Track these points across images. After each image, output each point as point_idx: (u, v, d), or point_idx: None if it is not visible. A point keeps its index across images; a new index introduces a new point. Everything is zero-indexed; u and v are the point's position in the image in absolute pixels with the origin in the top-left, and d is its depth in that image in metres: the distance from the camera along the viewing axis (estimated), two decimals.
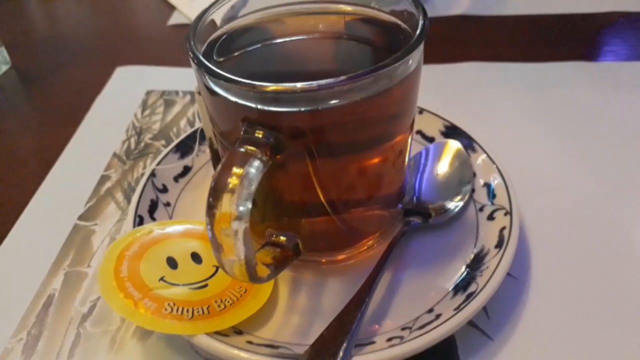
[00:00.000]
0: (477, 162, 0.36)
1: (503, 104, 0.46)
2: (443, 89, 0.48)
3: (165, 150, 0.38)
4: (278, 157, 0.25)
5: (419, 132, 0.39)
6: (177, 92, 0.50)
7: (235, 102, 0.24)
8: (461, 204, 0.33)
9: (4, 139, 0.47)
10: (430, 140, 0.39)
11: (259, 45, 0.31)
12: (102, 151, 0.44)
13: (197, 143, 0.39)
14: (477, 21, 0.58)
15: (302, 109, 0.24)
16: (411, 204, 0.34)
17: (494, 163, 0.35)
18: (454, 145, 0.36)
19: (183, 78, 0.51)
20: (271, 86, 0.23)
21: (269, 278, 0.26)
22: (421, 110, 0.39)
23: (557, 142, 0.42)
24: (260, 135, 0.24)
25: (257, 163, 0.23)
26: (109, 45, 0.60)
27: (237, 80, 0.24)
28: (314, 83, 0.23)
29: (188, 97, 0.49)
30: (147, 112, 0.48)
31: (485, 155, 0.36)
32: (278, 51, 0.30)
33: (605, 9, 0.58)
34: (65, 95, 0.52)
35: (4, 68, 0.56)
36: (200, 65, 0.25)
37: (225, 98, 0.25)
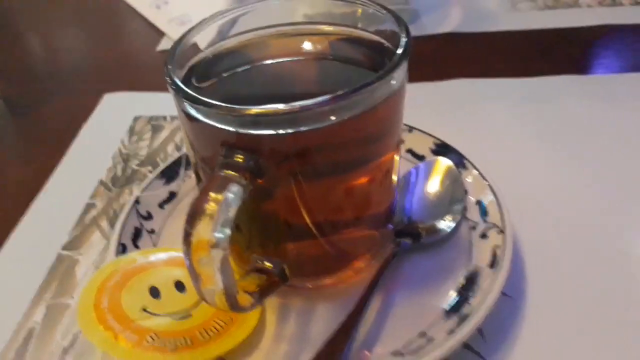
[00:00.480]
0: (469, 180, 0.35)
1: (494, 120, 0.45)
2: (433, 107, 0.47)
3: (151, 177, 0.37)
4: (260, 181, 0.24)
5: (409, 150, 0.38)
6: (164, 117, 0.49)
7: (214, 126, 0.24)
8: (453, 223, 0.32)
9: None
10: (421, 158, 0.38)
11: (240, 69, 0.30)
12: (88, 179, 0.43)
13: (182, 168, 0.39)
14: (466, 38, 0.58)
15: (283, 132, 0.23)
16: (402, 224, 0.33)
17: (485, 180, 0.34)
18: (444, 163, 0.36)
19: (171, 103, 0.50)
20: (250, 109, 0.22)
21: (253, 307, 0.25)
22: (411, 129, 0.39)
23: (549, 156, 0.41)
24: (240, 160, 0.23)
25: (236, 188, 0.22)
26: (98, 71, 0.60)
27: (214, 104, 0.23)
28: (295, 104, 0.22)
29: (176, 122, 0.48)
30: (134, 138, 0.47)
31: (476, 172, 0.35)
32: (260, 74, 0.30)
33: (595, 23, 0.58)
34: (53, 124, 0.52)
35: None
36: (177, 90, 0.25)
37: (204, 122, 0.24)
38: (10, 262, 0.37)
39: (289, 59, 0.31)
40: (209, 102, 0.23)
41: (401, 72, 0.25)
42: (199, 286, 0.23)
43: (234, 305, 0.24)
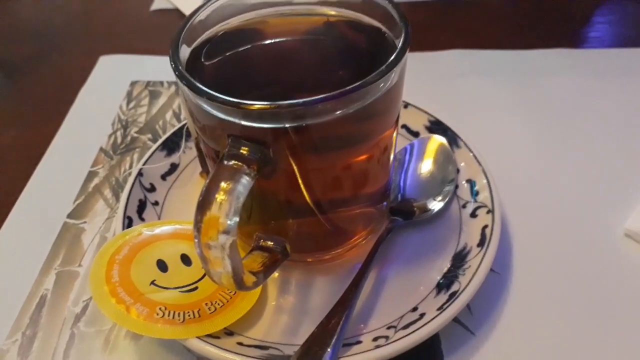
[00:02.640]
0: (461, 158, 0.36)
1: (487, 94, 0.46)
2: (426, 79, 0.48)
3: (152, 149, 0.38)
4: (265, 169, 0.25)
5: (404, 126, 0.40)
6: (162, 83, 0.49)
7: (220, 117, 0.25)
8: (444, 202, 0.34)
9: None
10: (415, 134, 0.39)
11: (244, 49, 0.31)
12: (88, 146, 0.44)
13: (183, 140, 0.40)
14: (460, 5, 0.58)
15: (287, 125, 0.24)
16: (395, 202, 0.34)
17: (477, 159, 0.36)
18: (438, 141, 0.37)
19: (167, 67, 0.50)
20: (254, 105, 0.23)
21: (257, 285, 0.27)
22: (406, 105, 0.40)
23: (540, 133, 0.42)
24: (246, 151, 0.24)
25: (244, 179, 0.24)
26: (92, 31, 0.59)
27: (220, 97, 0.24)
28: (299, 101, 0.23)
29: (173, 88, 0.49)
30: (132, 104, 0.48)
31: (468, 151, 0.36)
32: (263, 56, 0.30)
33: None
34: (49, 86, 0.52)
35: None
36: (182, 79, 0.25)
37: (209, 112, 0.25)
38: (17, 231, 0.38)
39: (290, 40, 0.32)
40: (214, 96, 0.24)
41: (403, 63, 0.26)
42: (208, 268, 0.24)
43: (240, 285, 0.25)
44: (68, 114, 0.47)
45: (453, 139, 0.37)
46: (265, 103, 0.23)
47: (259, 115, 0.24)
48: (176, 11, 0.58)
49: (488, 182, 0.34)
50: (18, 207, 0.40)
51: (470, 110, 0.45)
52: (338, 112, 0.24)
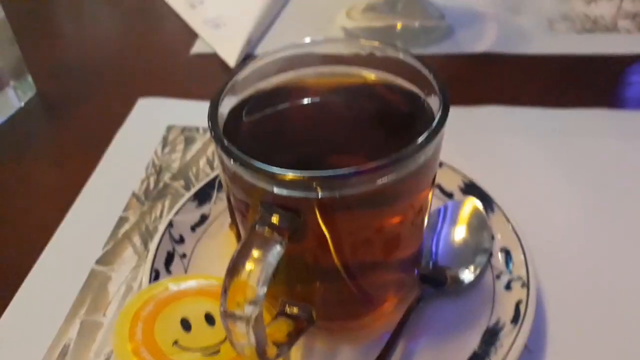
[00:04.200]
0: (496, 225, 0.35)
1: (524, 154, 0.45)
2: (462, 135, 0.47)
3: (184, 199, 0.38)
4: (295, 235, 0.25)
5: (437, 186, 0.39)
6: (197, 129, 0.50)
7: (252, 183, 0.24)
8: (478, 271, 0.33)
9: (24, 172, 0.48)
10: (449, 195, 0.38)
11: (281, 109, 0.31)
12: (121, 190, 0.44)
13: (215, 190, 0.40)
14: (501, 59, 0.58)
15: (321, 195, 0.24)
16: (427, 269, 0.33)
17: (512, 227, 0.34)
18: (473, 205, 0.36)
19: (204, 113, 0.51)
20: (286, 174, 0.23)
21: (279, 356, 0.26)
22: (441, 164, 0.39)
23: (580, 199, 0.41)
24: (278, 219, 0.24)
25: (275, 249, 0.23)
26: (132, 72, 0.60)
27: (253, 165, 0.24)
28: (333, 172, 0.23)
29: (208, 135, 0.49)
30: (167, 149, 0.48)
31: (503, 217, 0.35)
32: (300, 117, 0.31)
33: (635, 51, 0.57)
34: (87, 126, 0.53)
35: (30, 94, 0.56)
36: (217, 141, 0.25)
37: (242, 176, 0.25)
38: (47, 273, 0.38)
39: (329, 100, 0.32)
40: (248, 162, 0.24)
41: (441, 135, 0.26)
42: (231, 338, 0.24)
43: (263, 357, 0.25)
44: (104, 156, 0.48)
45: (488, 203, 0.36)
46: (299, 173, 0.23)
47: (292, 185, 0.24)
48: (215, 56, 0.59)
49: (524, 252, 0.33)
50: (49, 249, 0.40)
51: (507, 170, 0.44)
52: (373, 185, 0.24)
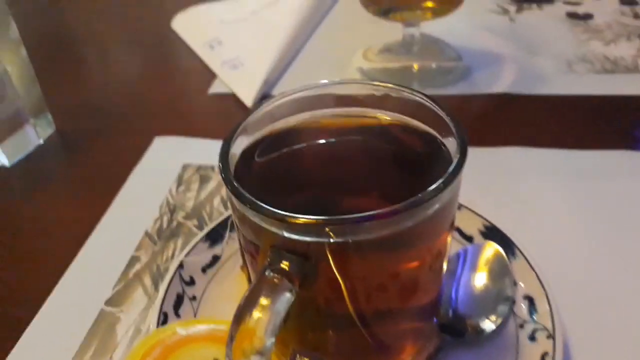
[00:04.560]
0: (518, 271, 0.34)
1: (545, 196, 0.44)
2: (482, 177, 0.46)
3: (195, 240, 0.37)
4: (306, 281, 0.24)
5: (457, 229, 0.38)
6: (212, 168, 0.50)
7: (262, 226, 0.24)
8: (500, 321, 0.31)
9: (39, 209, 0.48)
10: (469, 239, 0.37)
11: (295, 151, 0.30)
12: (134, 228, 0.44)
13: (227, 230, 0.39)
14: (519, 100, 0.57)
15: (333, 240, 0.23)
16: (446, 318, 0.32)
17: (535, 273, 0.33)
18: (494, 249, 0.35)
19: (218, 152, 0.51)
20: (297, 218, 0.22)
21: None
22: (460, 207, 0.38)
23: (606, 244, 0.39)
24: (288, 265, 0.23)
25: (285, 296, 0.22)
26: (149, 110, 0.61)
27: (264, 209, 0.23)
28: (345, 218, 0.22)
29: None
30: (182, 187, 0.48)
31: (526, 263, 0.34)
32: (314, 158, 0.30)
33: None
34: (103, 164, 0.53)
35: (49, 132, 0.57)
36: (227, 183, 0.25)
37: (252, 220, 0.24)
38: (56, 313, 0.38)
39: (343, 143, 0.31)
40: (258, 206, 0.23)
41: (459, 179, 0.25)
42: None
43: None
44: (118, 194, 0.48)
45: (510, 248, 0.35)
46: (311, 218, 0.22)
47: (303, 229, 0.23)
48: (233, 96, 0.60)
49: (548, 301, 0.31)
50: (60, 288, 0.39)
51: (528, 213, 0.42)
52: (387, 230, 0.23)
